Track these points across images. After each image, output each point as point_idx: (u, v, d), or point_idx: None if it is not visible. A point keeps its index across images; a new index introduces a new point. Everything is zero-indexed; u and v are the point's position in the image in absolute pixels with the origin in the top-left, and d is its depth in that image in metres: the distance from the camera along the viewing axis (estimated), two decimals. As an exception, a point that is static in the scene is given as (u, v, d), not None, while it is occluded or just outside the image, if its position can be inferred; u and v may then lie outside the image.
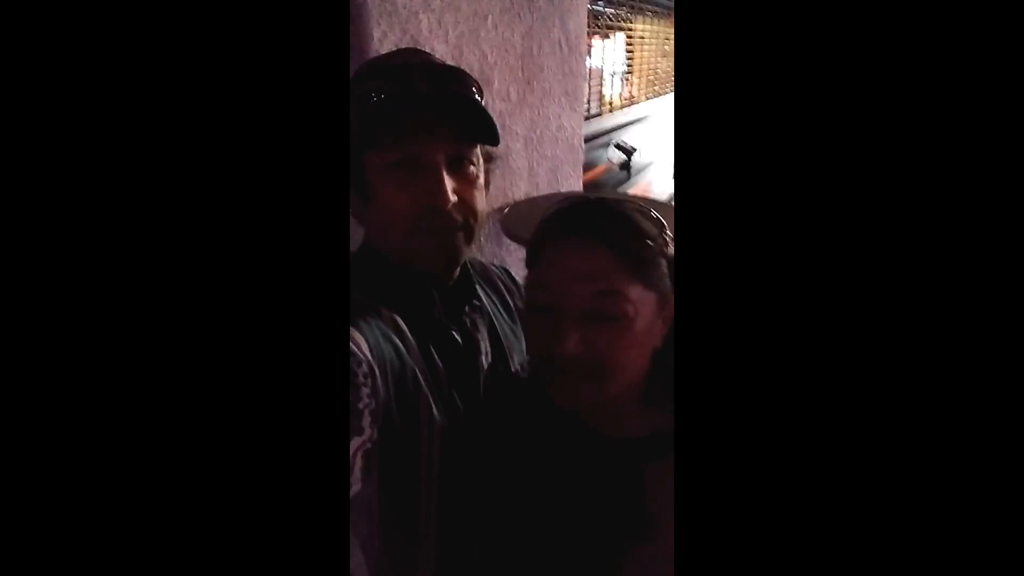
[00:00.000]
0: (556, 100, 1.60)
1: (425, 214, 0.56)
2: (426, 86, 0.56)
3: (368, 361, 0.52)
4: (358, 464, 0.50)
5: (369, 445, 0.51)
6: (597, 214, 0.52)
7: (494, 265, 0.80)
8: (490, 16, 1.28)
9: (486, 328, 0.68)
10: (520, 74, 1.44)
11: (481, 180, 0.62)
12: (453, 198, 0.56)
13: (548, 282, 0.52)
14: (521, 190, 1.56)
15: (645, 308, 0.49)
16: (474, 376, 0.64)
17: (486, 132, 0.58)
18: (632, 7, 3.54)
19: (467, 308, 0.66)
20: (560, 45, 1.60)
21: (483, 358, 0.66)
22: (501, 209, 1.46)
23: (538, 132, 1.54)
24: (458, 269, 0.65)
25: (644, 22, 3.91)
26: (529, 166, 1.56)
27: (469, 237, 0.61)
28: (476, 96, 0.58)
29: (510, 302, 0.75)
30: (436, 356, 0.61)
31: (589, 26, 1.91)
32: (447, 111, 0.55)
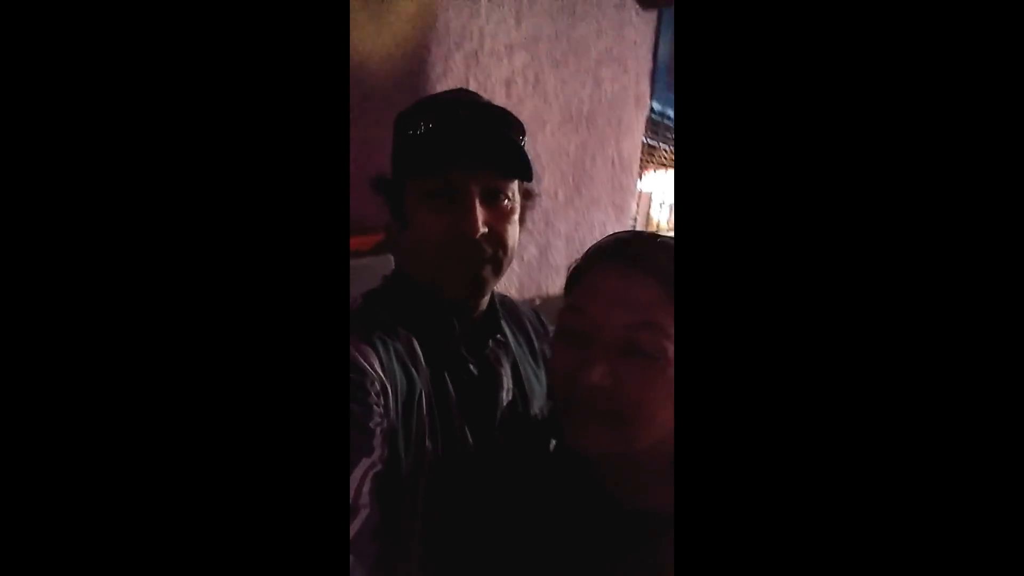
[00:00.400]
0: (602, 209, 1.68)
1: (455, 242, 0.57)
2: (469, 120, 0.59)
3: (380, 379, 0.52)
4: (367, 486, 0.47)
5: (380, 466, 0.49)
6: (647, 244, 0.49)
7: (524, 307, 0.79)
8: (549, 124, 1.40)
9: (509, 365, 0.66)
10: (570, 180, 1.53)
11: (516, 216, 0.62)
12: (484, 229, 0.57)
13: (583, 306, 0.48)
14: (557, 286, 1.58)
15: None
16: (491, 411, 0.62)
17: (520, 168, 0.59)
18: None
19: (491, 343, 0.65)
20: (613, 162, 1.71)
21: (504, 394, 0.64)
22: (532, 301, 1.48)
23: (581, 234, 1.59)
24: (485, 302, 0.65)
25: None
26: (568, 264, 1.60)
27: (497, 270, 0.61)
28: (517, 135, 0.60)
29: (536, 346, 0.73)
30: (449, 385, 0.59)
31: (644, 158, 2.04)
32: (484, 145, 0.58)
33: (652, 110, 1.90)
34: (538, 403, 0.66)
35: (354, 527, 0.46)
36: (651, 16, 1.69)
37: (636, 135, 1.84)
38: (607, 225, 1.70)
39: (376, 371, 0.52)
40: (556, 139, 1.44)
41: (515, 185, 0.62)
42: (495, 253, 0.60)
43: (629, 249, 0.48)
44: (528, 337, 0.73)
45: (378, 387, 0.51)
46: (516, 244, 0.63)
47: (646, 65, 1.75)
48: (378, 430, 0.49)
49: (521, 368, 0.67)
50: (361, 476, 0.47)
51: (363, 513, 0.46)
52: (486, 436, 0.60)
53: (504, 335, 0.68)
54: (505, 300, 0.75)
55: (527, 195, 0.65)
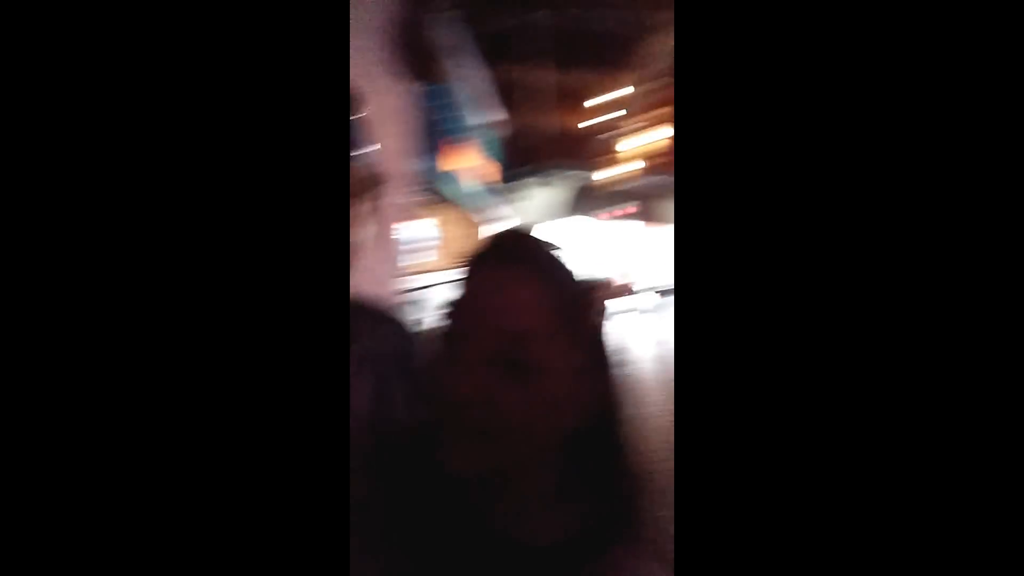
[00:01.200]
0: (392, 247, 1.95)
1: None
2: None
3: None
4: None
5: None
6: (529, 241, 0.45)
7: (388, 305, 0.71)
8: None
9: (373, 375, 0.60)
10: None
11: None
12: None
13: (457, 310, 0.45)
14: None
15: (566, 366, 0.42)
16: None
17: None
18: (440, 200, 4.61)
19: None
20: (398, 207, 2.00)
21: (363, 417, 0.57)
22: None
23: (385, 269, 1.83)
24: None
25: (451, 209, 5.40)
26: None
27: None
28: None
29: (404, 350, 0.65)
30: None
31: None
32: None
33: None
34: (406, 418, 0.59)
35: None
36: (412, 88, 2.10)
37: (407, 186, 2.20)
38: (394, 264, 1.99)
39: None
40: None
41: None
42: None
43: (511, 248, 0.45)
44: (390, 341, 0.66)
45: None
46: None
47: (410, 129, 2.14)
48: None
49: (381, 378, 0.61)
50: None
51: None
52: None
53: (360, 343, 0.60)
54: (361, 300, 0.66)
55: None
